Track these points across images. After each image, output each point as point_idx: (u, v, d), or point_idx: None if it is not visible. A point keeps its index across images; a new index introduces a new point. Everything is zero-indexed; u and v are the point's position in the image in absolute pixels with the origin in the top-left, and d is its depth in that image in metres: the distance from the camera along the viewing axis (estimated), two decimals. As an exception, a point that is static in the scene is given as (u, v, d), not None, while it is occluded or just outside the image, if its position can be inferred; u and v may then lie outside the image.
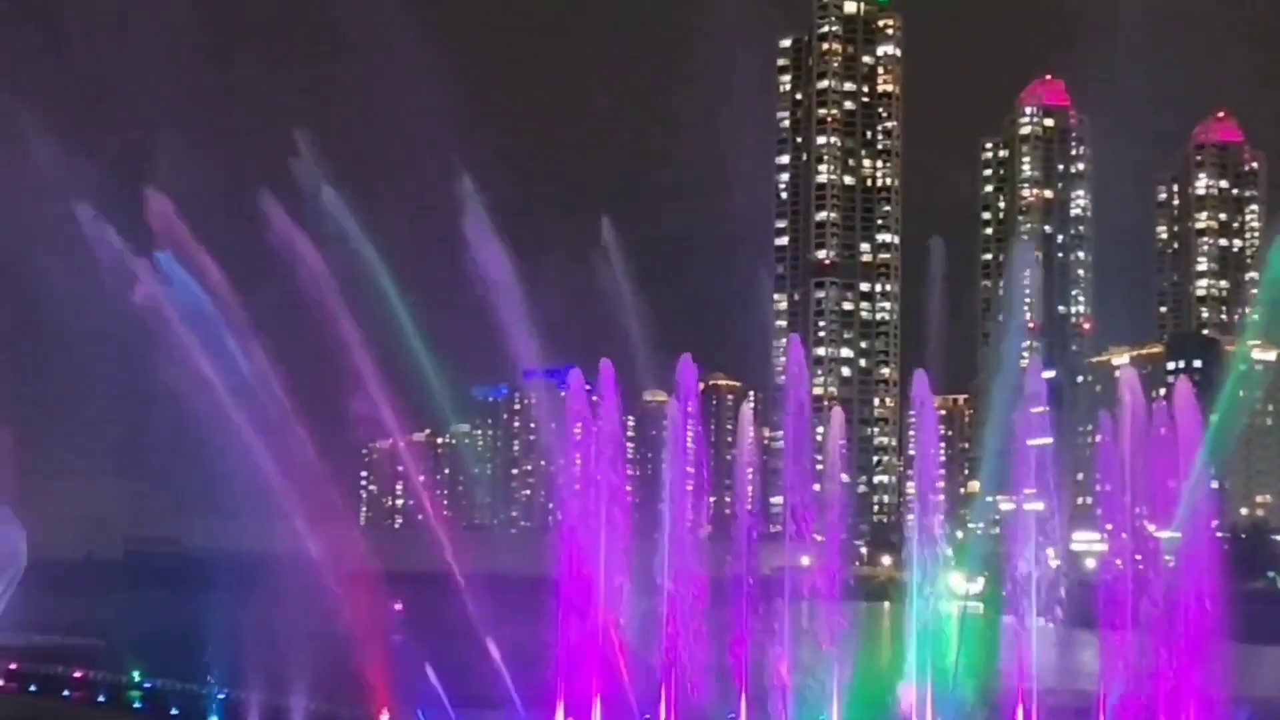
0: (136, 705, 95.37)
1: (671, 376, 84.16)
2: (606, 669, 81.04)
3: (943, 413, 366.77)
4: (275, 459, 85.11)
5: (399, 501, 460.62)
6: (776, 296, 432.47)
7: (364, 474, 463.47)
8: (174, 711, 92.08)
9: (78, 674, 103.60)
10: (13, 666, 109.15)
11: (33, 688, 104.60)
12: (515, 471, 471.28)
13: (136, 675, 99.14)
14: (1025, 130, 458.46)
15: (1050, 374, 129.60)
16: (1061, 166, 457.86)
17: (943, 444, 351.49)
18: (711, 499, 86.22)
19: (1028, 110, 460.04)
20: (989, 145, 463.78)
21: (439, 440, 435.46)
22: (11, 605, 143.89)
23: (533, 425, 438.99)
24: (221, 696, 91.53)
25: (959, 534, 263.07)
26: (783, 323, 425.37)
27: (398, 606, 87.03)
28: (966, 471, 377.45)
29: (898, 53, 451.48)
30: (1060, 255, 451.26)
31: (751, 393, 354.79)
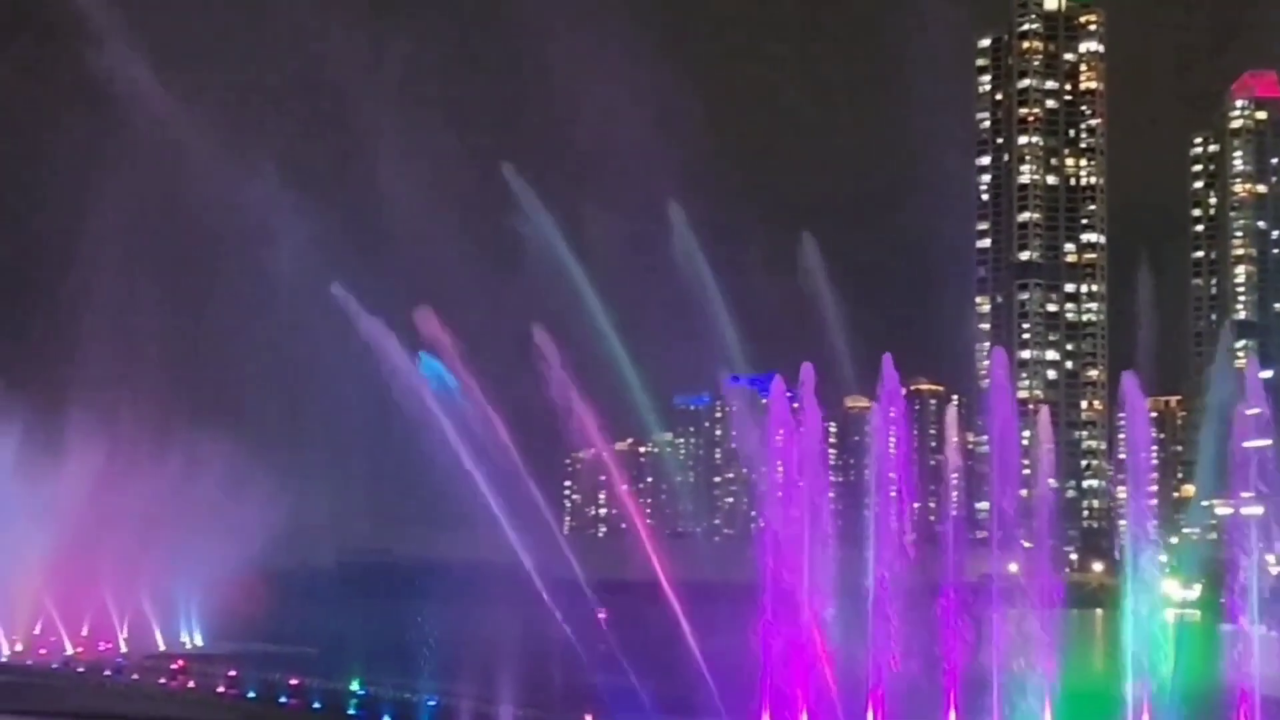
0: (351, 712, 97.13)
1: (873, 382, 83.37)
2: (812, 676, 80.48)
3: (1154, 415, 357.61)
4: (482, 470, 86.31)
5: (602, 510, 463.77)
6: (979, 299, 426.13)
7: (567, 483, 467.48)
8: (387, 718, 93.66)
9: (294, 681, 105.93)
10: (232, 673, 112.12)
11: (251, 694, 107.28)
12: (717, 479, 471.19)
13: (356, 684, 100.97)
14: (1236, 124, 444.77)
15: (1268, 374, 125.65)
16: (1275, 160, 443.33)
17: (1155, 447, 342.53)
18: (915, 505, 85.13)
19: (1239, 103, 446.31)
20: (1198, 140, 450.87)
21: (641, 449, 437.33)
22: (230, 613, 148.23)
23: (735, 433, 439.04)
24: (433, 703, 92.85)
25: (1173, 539, 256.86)
26: (985, 325, 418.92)
27: (602, 614, 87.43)
28: (1180, 475, 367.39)
29: (1101, 48, 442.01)
30: (1275, 251, 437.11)
31: (955, 397, 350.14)
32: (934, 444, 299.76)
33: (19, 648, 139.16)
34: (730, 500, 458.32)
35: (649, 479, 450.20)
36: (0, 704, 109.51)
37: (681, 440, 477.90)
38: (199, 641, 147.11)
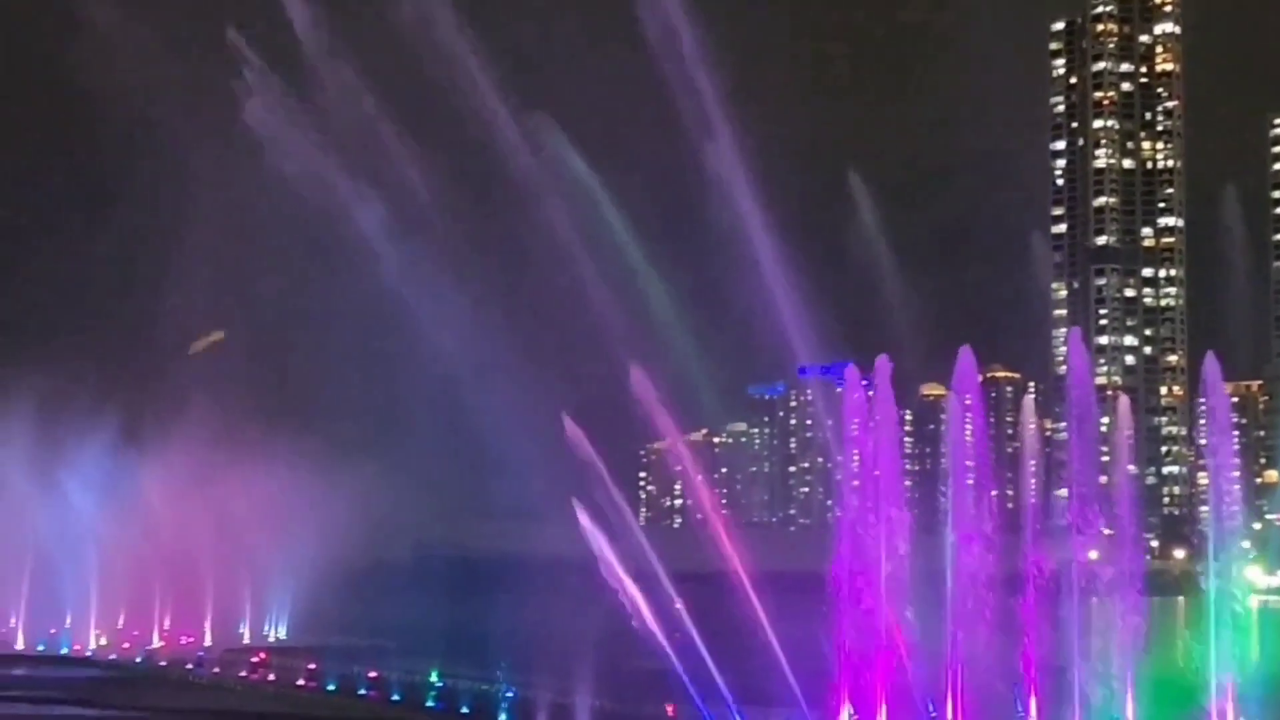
0: (429, 704, 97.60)
1: (949, 369, 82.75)
2: (891, 666, 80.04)
3: (1235, 400, 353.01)
4: (554, 462, 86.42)
5: (677, 501, 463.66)
6: (1055, 285, 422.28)
7: (642, 475, 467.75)
8: (464, 710, 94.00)
9: (373, 673, 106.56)
10: (312, 666, 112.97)
11: (330, 686, 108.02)
12: (792, 469, 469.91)
13: (434, 676, 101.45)
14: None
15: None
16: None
17: (1236, 432, 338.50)
18: (993, 493, 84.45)
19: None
20: (1277, 121, 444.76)
21: (716, 440, 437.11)
22: (310, 607, 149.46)
23: (809, 422, 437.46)
24: (510, 695, 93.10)
25: (1256, 525, 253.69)
26: (1062, 311, 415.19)
27: (678, 605, 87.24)
28: (1263, 460, 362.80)
29: (1177, 30, 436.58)
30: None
31: (1032, 384, 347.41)
32: (1010, 431, 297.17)
33: (103, 641, 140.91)
34: (806, 490, 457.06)
35: (723, 469, 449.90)
36: (86, 698, 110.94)
37: (756, 430, 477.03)
38: (279, 635, 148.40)
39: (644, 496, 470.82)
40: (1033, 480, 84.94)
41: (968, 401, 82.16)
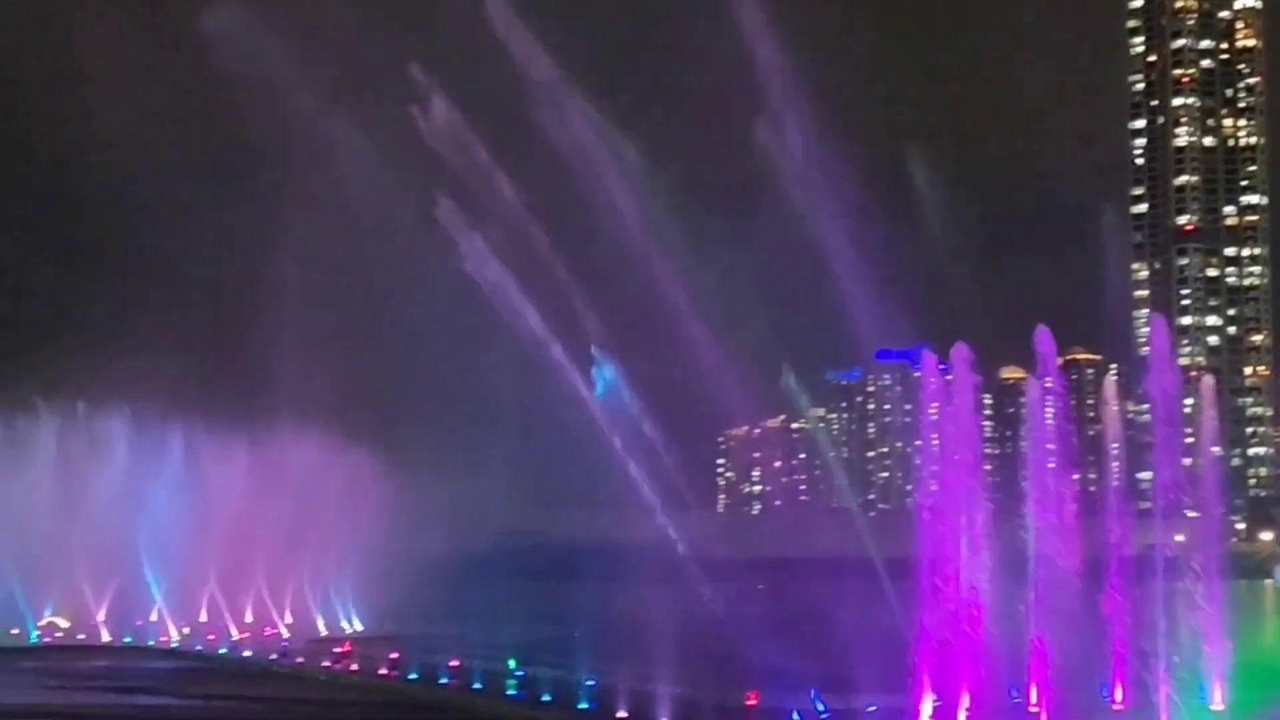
0: (510, 692, 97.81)
1: (1029, 352, 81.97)
2: (973, 651, 79.44)
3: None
4: (634, 451, 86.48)
5: (756, 488, 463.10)
6: (1136, 265, 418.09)
7: (720, 461, 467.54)
8: (546, 698, 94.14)
9: (454, 662, 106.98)
10: (393, 655, 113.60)
11: (412, 675, 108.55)
12: (871, 454, 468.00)
13: (512, 663, 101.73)
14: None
15: None
16: None
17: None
18: (1075, 476, 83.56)
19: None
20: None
21: (793, 425, 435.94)
22: (392, 597, 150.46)
23: (887, 407, 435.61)
24: (591, 683, 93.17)
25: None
26: (1143, 292, 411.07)
27: (759, 589, 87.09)
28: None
29: (1258, 4, 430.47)
30: None
31: (1113, 366, 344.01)
32: (1092, 414, 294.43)
33: (186, 631, 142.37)
34: (884, 475, 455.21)
35: (801, 455, 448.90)
36: (172, 688, 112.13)
37: (834, 415, 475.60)
38: (361, 625, 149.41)
39: (722, 483, 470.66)
40: (1115, 463, 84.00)
41: (1048, 384, 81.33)
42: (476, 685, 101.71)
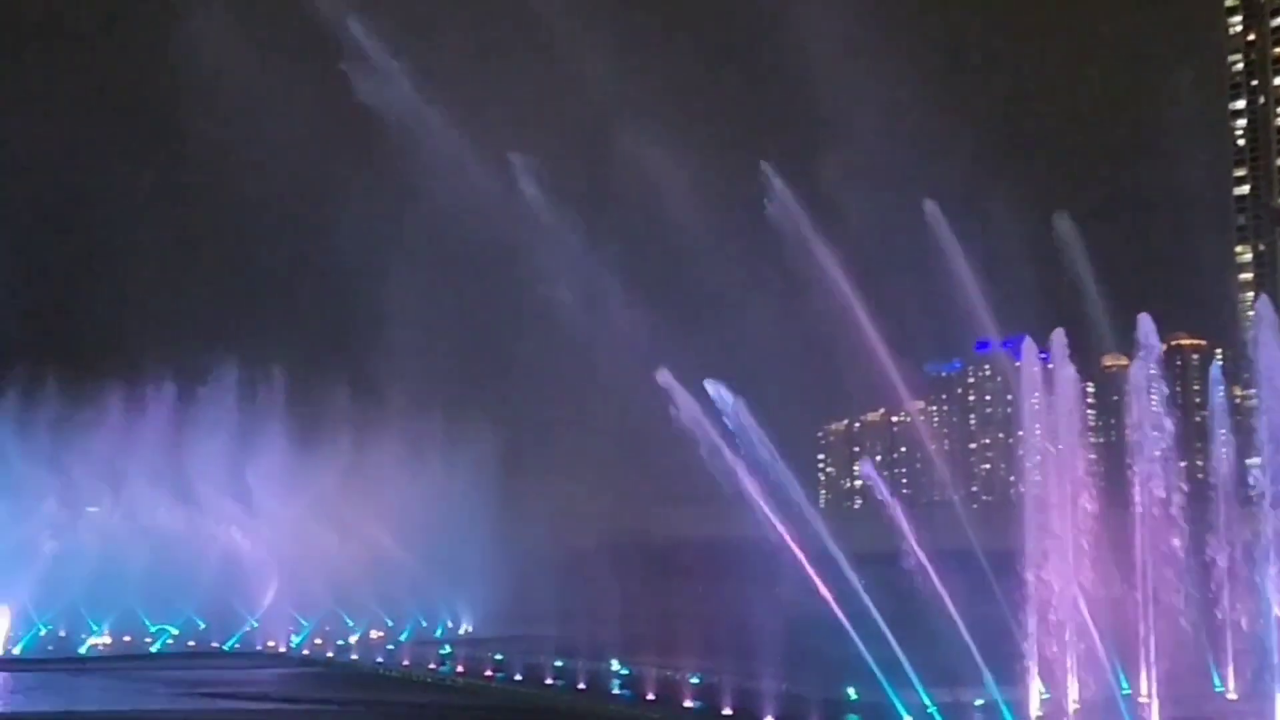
0: (615, 691, 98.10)
1: (1131, 338, 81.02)
2: (1081, 643, 78.64)
3: None
4: (739, 452, 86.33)
5: (857, 483, 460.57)
6: (1239, 248, 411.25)
7: (820, 457, 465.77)
8: (651, 696, 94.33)
9: (559, 662, 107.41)
10: (498, 656, 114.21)
11: (517, 676, 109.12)
12: (973, 446, 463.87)
13: (617, 663, 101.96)
14: None
15: None
16: None
17: None
18: (1181, 464, 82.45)
19: None
20: None
21: (893, 419, 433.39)
22: (496, 600, 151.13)
23: (988, 399, 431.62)
24: (696, 681, 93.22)
25: None
26: (1247, 275, 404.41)
27: (860, 586, 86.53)
28: None
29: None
30: None
31: (1218, 351, 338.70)
32: (1198, 400, 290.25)
33: (295, 638, 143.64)
34: (987, 467, 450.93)
35: (902, 449, 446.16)
36: (280, 693, 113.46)
37: (934, 408, 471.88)
38: (468, 629, 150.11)
39: (822, 479, 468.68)
40: (1222, 449, 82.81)
41: (1151, 371, 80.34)
42: (581, 685, 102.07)
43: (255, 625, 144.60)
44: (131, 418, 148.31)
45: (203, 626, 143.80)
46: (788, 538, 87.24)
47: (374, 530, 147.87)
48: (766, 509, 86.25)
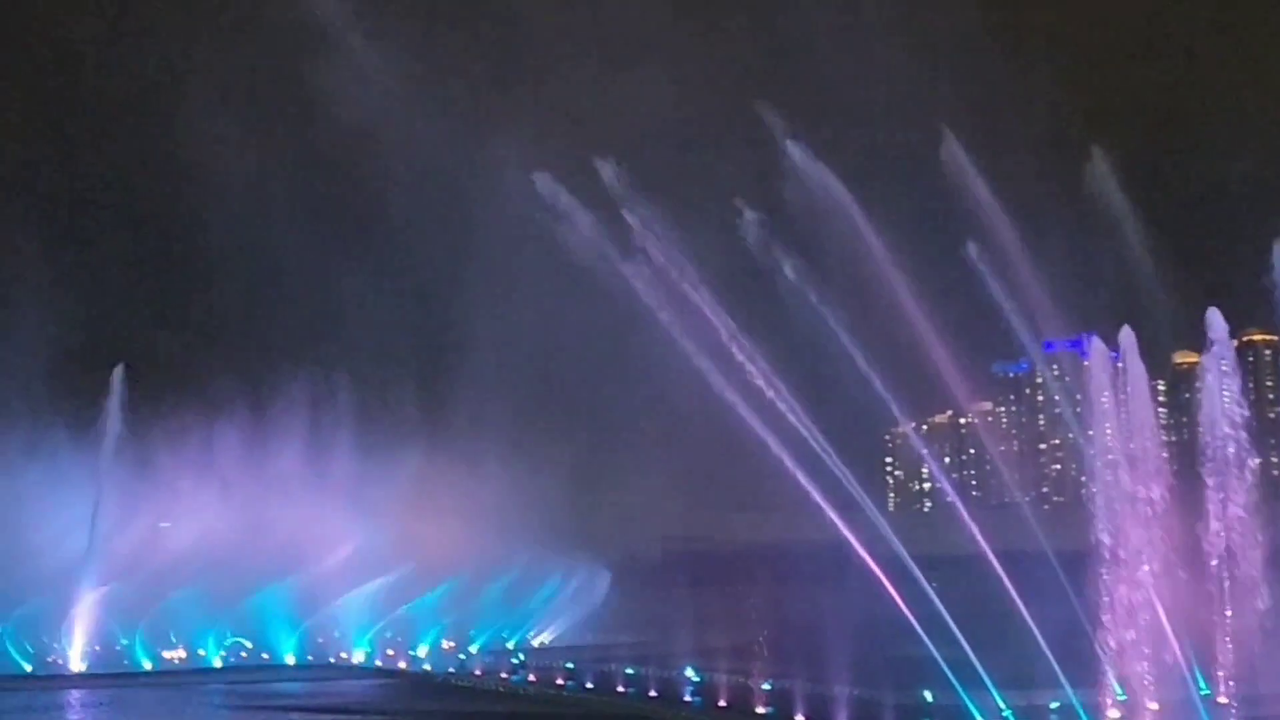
0: (687, 698, 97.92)
1: (1202, 334, 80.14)
2: (1156, 645, 77.80)
3: None
4: (798, 452, 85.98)
5: (926, 485, 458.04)
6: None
7: (888, 460, 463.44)
8: (722, 703, 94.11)
9: (630, 670, 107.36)
10: (570, 665, 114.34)
11: (589, 684, 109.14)
12: (1042, 446, 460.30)
13: (689, 670, 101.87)
14: None
15: None
16: None
17: None
18: (1256, 461, 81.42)
19: None
20: None
21: (961, 420, 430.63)
22: (561, 607, 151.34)
23: (1057, 398, 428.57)
24: (767, 687, 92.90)
25: None
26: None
27: (931, 588, 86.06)
28: None
29: None
30: None
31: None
32: (1271, 396, 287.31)
33: (368, 650, 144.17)
34: (1057, 467, 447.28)
35: (971, 450, 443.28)
36: (354, 706, 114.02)
37: (1002, 409, 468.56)
38: (543, 640, 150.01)
39: (891, 482, 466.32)
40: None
41: (1223, 367, 79.43)
42: (653, 693, 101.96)
43: (327, 638, 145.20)
44: (205, 432, 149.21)
45: (272, 640, 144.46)
46: (853, 539, 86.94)
47: (440, 543, 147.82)
48: (831, 510, 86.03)
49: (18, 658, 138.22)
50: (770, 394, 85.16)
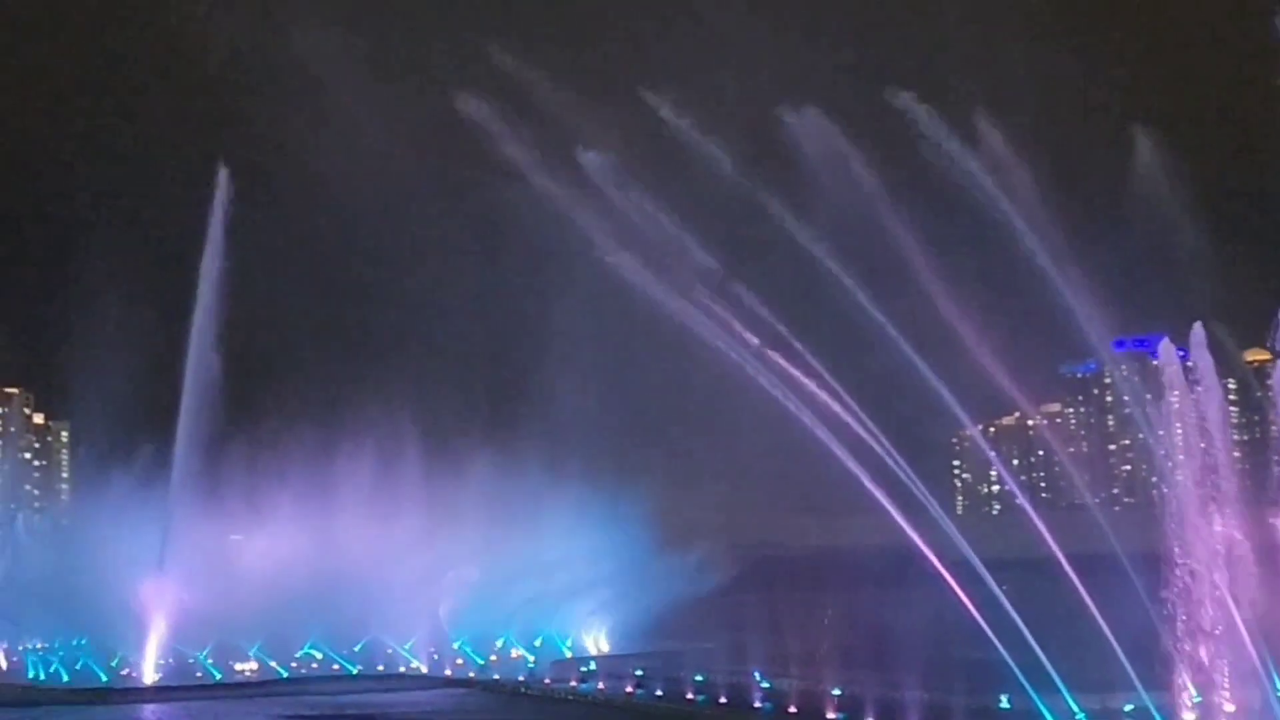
0: (757, 705, 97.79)
1: (1274, 333, 79.25)
2: (1231, 644, 76.92)
3: None
4: (865, 457, 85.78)
5: (994, 488, 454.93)
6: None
7: (956, 463, 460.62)
8: (792, 709, 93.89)
9: (699, 676, 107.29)
10: (639, 672, 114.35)
11: (659, 692, 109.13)
12: (1112, 447, 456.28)
13: (758, 676, 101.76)
14: None
15: None
16: None
17: None
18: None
19: None
20: None
21: (1029, 422, 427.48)
22: (631, 614, 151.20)
23: (1126, 399, 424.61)
24: (837, 692, 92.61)
25: None
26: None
27: (1002, 591, 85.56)
28: None
29: None
30: None
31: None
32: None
33: (436, 658, 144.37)
34: (1127, 468, 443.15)
35: (1040, 452, 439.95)
36: (423, 714, 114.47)
37: (1070, 410, 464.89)
38: (605, 646, 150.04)
39: (959, 485, 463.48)
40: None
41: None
42: (723, 699, 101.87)
43: (398, 648, 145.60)
44: (284, 454, 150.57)
45: (344, 651, 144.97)
46: (921, 543, 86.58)
47: (502, 552, 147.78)
48: (898, 515, 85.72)
49: (96, 669, 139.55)
50: (836, 406, 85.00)
